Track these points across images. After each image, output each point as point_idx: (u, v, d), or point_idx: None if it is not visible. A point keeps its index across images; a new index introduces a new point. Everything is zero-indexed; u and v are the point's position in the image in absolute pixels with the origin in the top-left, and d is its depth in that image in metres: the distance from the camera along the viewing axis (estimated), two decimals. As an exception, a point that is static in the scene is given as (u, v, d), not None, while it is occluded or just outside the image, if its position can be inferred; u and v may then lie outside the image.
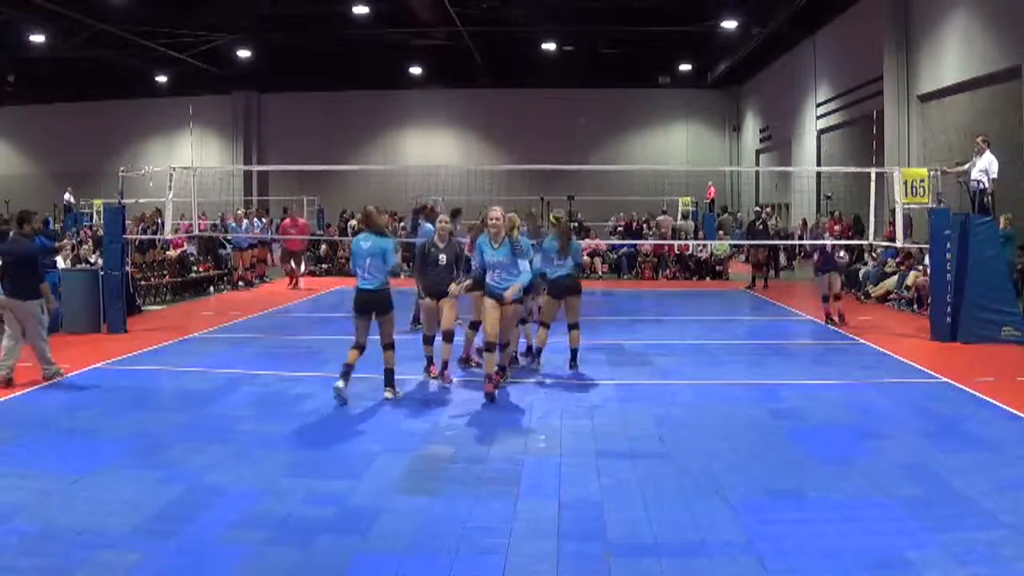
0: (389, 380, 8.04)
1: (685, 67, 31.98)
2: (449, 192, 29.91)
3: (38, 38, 25.29)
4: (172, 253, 17.07)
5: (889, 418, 7.60)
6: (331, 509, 5.18)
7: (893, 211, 13.04)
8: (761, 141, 31.26)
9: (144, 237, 16.79)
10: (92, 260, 13.64)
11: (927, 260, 14.58)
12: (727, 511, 5.18)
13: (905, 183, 11.31)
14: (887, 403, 8.17)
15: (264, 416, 7.49)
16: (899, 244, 12.31)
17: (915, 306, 13.75)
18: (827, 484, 5.69)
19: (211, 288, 17.56)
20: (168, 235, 14.62)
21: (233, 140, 36.36)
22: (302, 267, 19.78)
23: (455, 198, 29.35)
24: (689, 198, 27.30)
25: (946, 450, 6.47)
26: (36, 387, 8.46)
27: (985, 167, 11.27)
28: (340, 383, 7.71)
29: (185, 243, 17.48)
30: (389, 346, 8.04)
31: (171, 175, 12.65)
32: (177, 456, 6.25)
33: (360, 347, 7.89)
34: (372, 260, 7.84)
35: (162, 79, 33.36)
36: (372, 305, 7.91)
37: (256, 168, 33.87)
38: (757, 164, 31.74)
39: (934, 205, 11.24)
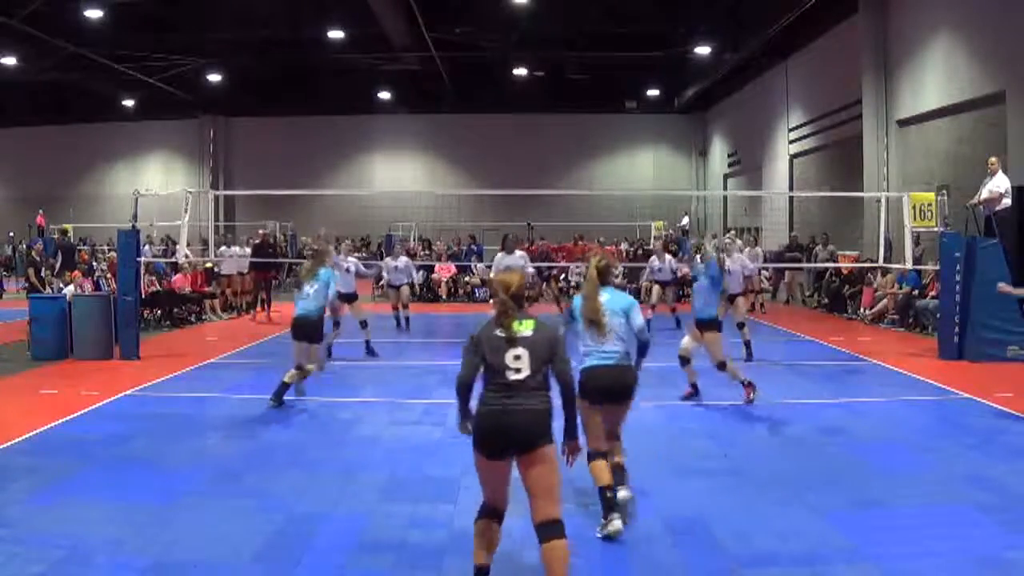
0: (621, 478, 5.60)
1: (652, 92, 32.58)
2: (417, 217, 30.19)
3: (8, 60, 24.78)
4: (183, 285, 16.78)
5: (931, 432, 7.92)
6: (441, 532, 5.23)
7: (888, 237, 13.51)
8: (729, 166, 31.91)
9: (162, 260, 16.49)
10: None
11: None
12: (824, 522, 5.40)
13: (913, 207, 11.77)
14: (923, 418, 8.52)
15: (324, 442, 7.47)
16: (909, 266, 12.73)
17: (918, 328, 14.28)
18: (902, 494, 5.94)
19: (203, 316, 17.26)
20: (182, 259, 14.46)
21: (200, 164, 35.93)
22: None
23: (424, 223, 29.85)
24: (662, 223, 27.73)
25: (997, 460, 6.81)
26: (72, 416, 8.29)
27: (996, 187, 11.73)
28: None
29: (189, 283, 17.04)
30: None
31: (187, 198, 12.51)
32: (257, 483, 6.22)
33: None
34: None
35: (129, 103, 32.85)
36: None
37: (224, 193, 33.50)
38: (725, 188, 32.38)
39: (941, 228, 11.73)
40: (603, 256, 5.80)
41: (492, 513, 4.32)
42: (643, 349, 5.77)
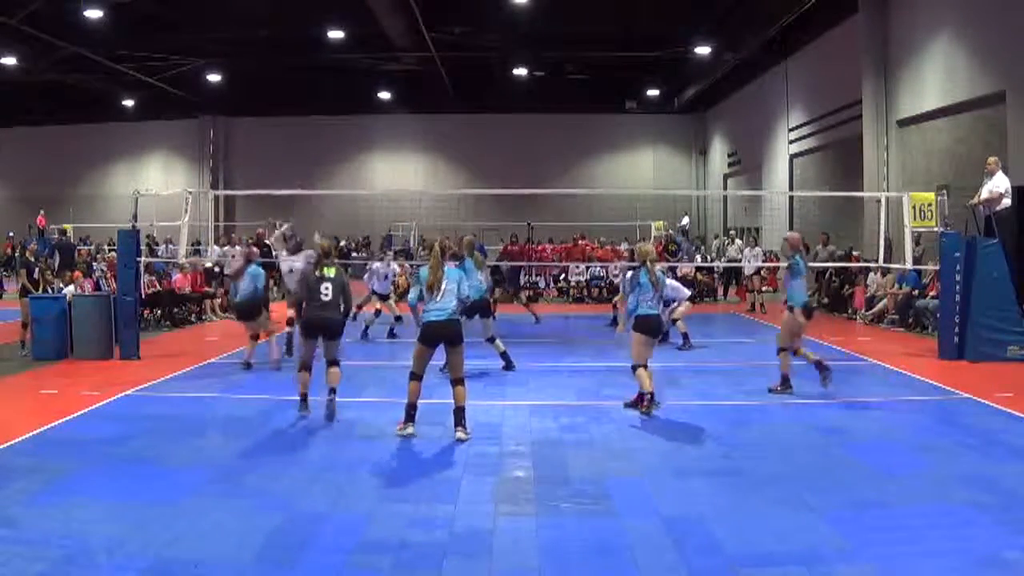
0: (459, 418, 7.56)
1: (652, 92, 32.58)
2: (417, 217, 30.21)
3: (8, 60, 24.78)
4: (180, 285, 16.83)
5: (930, 432, 7.92)
6: (442, 532, 5.23)
7: (888, 237, 13.51)
8: (729, 165, 31.93)
9: (159, 260, 16.53)
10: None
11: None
12: (824, 523, 5.39)
13: (913, 207, 11.79)
14: (922, 418, 8.52)
15: (324, 442, 7.47)
16: (909, 266, 12.73)
17: (918, 328, 14.29)
18: (901, 495, 5.94)
19: (203, 316, 17.27)
20: (182, 259, 14.50)
21: (200, 164, 35.94)
22: None
23: (424, 223, 29.86)
24: (663, 222, 27.70)
25: (996, 460, 6.81)
26: (72, 416, 8.30)
27: (995, 188, 11.74)
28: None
29: (189, 283, 17.12)
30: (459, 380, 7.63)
31: (187, 199, 12.50)
32: (258, 483, 6.22)
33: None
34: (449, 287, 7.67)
35: (129, 103, 32.88)
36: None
37: (224, 193, 33.54)
38: (725, 188, 32.39)
39: (941, 228, 11.74)
40: (442, 241, 8.09)
41: (308, 367, 8.27)
42: (465, 309, 8.05)
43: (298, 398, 8.29)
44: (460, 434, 7.40)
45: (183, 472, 6.47)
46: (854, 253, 18.33)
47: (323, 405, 8.18)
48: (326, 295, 8.17)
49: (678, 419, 8.31)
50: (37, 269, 13.37)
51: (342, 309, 8.35)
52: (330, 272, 8.30)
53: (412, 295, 8.20)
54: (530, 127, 34.25)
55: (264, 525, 5.32)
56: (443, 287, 7.57)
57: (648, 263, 8.66)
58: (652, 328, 8.63)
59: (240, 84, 31.02)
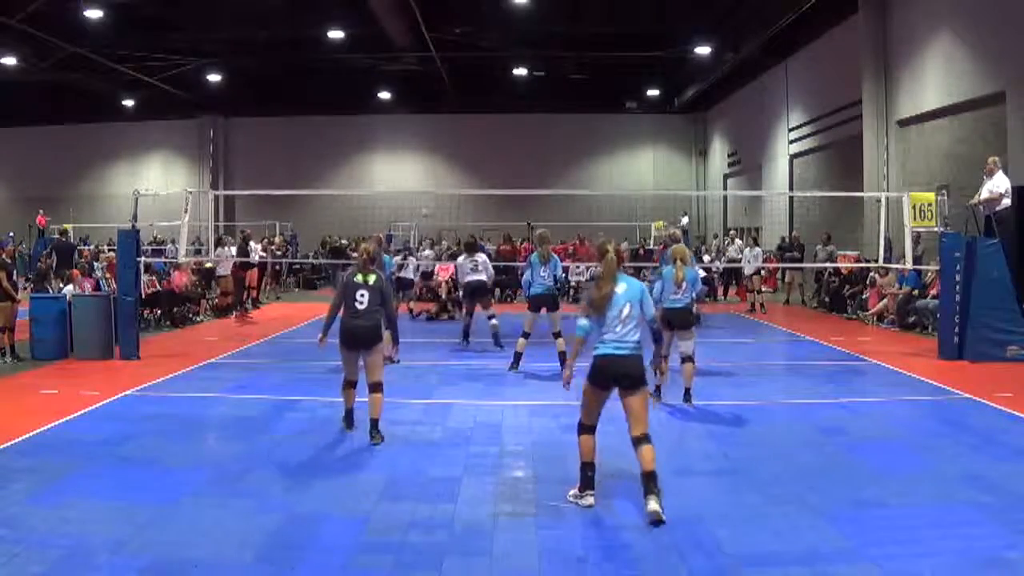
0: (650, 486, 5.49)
1: (652, 92, 32.60)
2: (417, 217, 30.24)
3: (8, 60, 24.79)
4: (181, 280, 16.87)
5: (931, 432, 7.91)
6: (442, 533, 5.23)
7: (888, 237, 13.52)
8: (729, 165, 31.93)
9: (159, 260, 16.61)
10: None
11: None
12: (824, 522, 5.39)
13: (913, 207, 11.79)
14: (922, 418, 8.54)
15: (323, 442, 7.45)
16: (909, 266, 12.74)
17: (918, 328, 14.30)
18: (901, 494, 5.94)
19: (200, 315, 17.27)
20: (182, 259, 14.50)
21: (200, 164, 35.95)
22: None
23: (423, 223, 29.89)
24: (663, 222, 27.72)
25: (997, 460, 6.80)
26: (72, 416, 8.29)
27: (995, 188, 11.74)
28: None
29: (188, 277, 17.13)
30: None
31: (187, 198, 12.50)
32: (258, 484, 6.22)
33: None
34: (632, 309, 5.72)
35: (129, 103, 32.88)
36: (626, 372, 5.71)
37: (224, 193, 33.48)
38: (725, 188, 32.41)
39: (941, 228, 11.75)
40: (617, 246, 5.78)
41: (353, 384, 7.65)
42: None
43: (297, 399, 8.26)
44: (653, 505, 5.30)
45: (183, 472, 6.46)
46: (851, 253, 18.32)
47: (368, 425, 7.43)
48: (361, 303, 7.29)
49: (678, 419, 8.31)
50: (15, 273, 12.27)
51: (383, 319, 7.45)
52: (368, 279, 7.40)
53: (583, 323, 5.73)
54: (530, 127, 34.26)
55: (264, 525, 5.32)
56: (625, 309, 5.62)
57: (678, 261, 8.90)
58: (670, 321, 8.69)
59: (240, 84, 31.03)
